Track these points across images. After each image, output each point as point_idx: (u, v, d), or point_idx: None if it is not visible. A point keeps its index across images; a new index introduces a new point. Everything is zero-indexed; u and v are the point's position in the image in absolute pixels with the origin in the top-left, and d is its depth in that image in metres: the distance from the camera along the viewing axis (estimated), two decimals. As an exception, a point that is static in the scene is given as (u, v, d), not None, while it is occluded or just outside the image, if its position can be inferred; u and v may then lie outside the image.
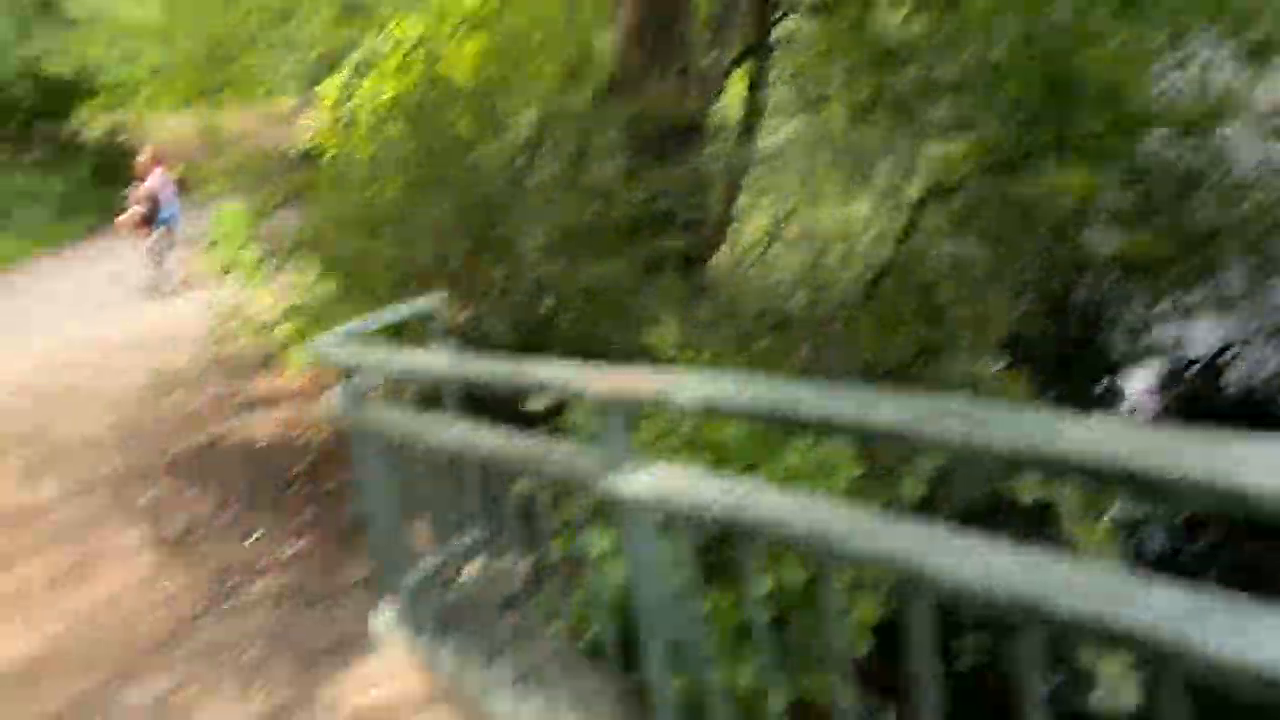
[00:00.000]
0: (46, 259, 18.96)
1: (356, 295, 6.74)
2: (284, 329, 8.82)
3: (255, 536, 5.22)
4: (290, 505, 5.64)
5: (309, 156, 11.51)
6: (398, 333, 4.38)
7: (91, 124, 26.49)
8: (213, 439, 7.01)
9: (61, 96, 21.87)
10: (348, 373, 3.80)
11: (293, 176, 9.31)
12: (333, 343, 3.62)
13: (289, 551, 5.03)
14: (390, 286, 5.97)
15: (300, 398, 7.85)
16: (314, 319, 8.54)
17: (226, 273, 14.80)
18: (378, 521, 3.65)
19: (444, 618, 3.59)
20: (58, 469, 6.80)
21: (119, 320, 12.05)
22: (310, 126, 11.78)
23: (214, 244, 15.86)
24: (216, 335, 10.24)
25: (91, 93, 21.54)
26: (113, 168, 25.62)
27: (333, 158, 9.88)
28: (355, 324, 3.86)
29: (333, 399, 3.63)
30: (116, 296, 13.54)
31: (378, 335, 3.96)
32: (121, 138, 27.33)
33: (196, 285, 14.00)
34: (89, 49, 19.65)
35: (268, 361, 9.00)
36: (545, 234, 4.73)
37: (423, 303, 4.17)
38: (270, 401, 7.79)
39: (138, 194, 13.70)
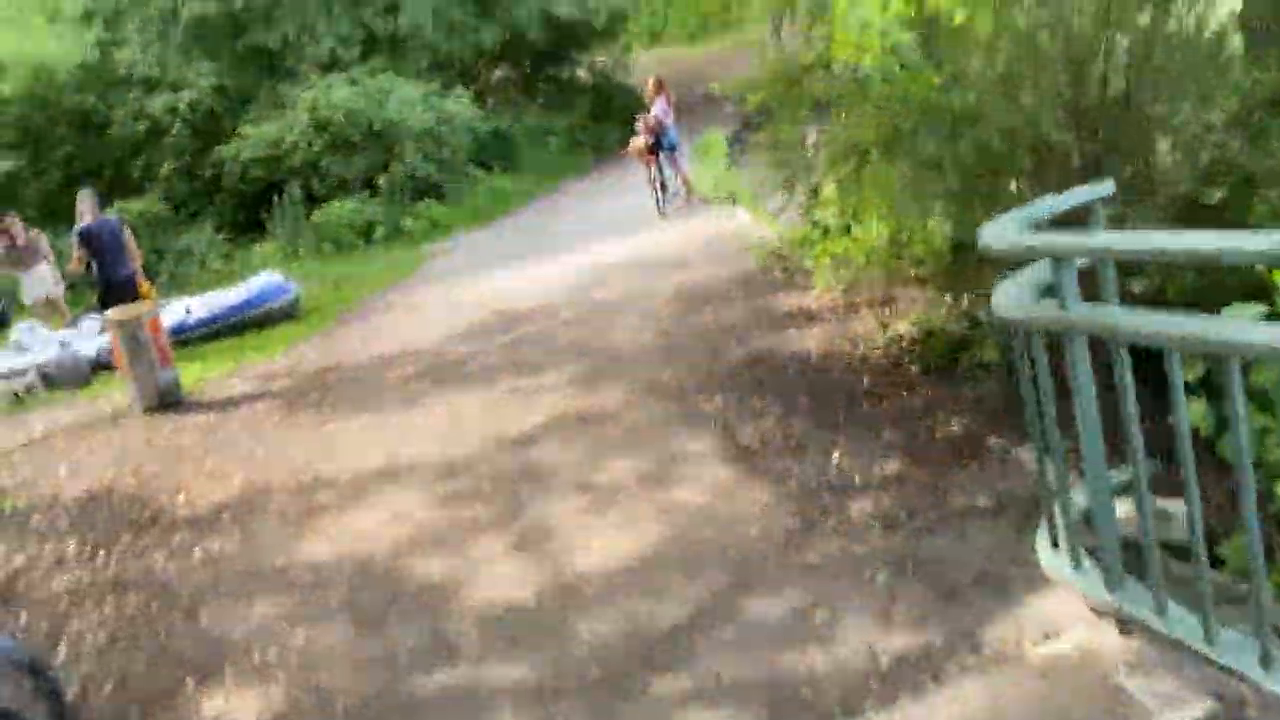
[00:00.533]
0: (560, 191, 20.85)
1: (910, 202, 6.18)
2: (811, 246, 8.61)
3: (837, 455, 4.91)
4: (865, 424, 5.28)
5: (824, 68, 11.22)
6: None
7: (591, 65, 28.79)
8: (760, 354, 6.91)
9: (566, 39, 23.82)
10: (1018, 264, 3.26)
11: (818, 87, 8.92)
12: (1009, 230, 3.07)
13: (879, 473, 4.66)
14: (965, 191, 5.30)
15: (834, 314, 7.54)
16: (842, 234, 8.22)
17: (722, 196, 15.23)
18: (1049, 440, 3.06)
19: (1126, 563, 2.96)
20: (617, 376, 7.11)
21: (635, 241, 12.71)
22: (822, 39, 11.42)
23: (702, 168, 16.41)
24: (739, 252, 10.39)
25: (593, 34, 23.19)
26: (606, 104, 27.70)
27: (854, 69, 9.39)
28: (1019, 212, 3.28)
29: (1004, 295, 3.09)
30: (628, 220, 14.35)
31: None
32: (616, 77, 29.43)
33: (700, 207, 14.51)
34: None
35: (791, 279, 8.86)
36: (1222, 108, 3.80)
37: (1085, 191, 3.47)
38: (806, 318, 7.56)
39: (645, 122, 14.29)
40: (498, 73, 25.26)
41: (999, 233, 3.07)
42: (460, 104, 19.19)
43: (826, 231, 8.37)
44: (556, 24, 22.82)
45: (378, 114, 18.18)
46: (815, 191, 8.52)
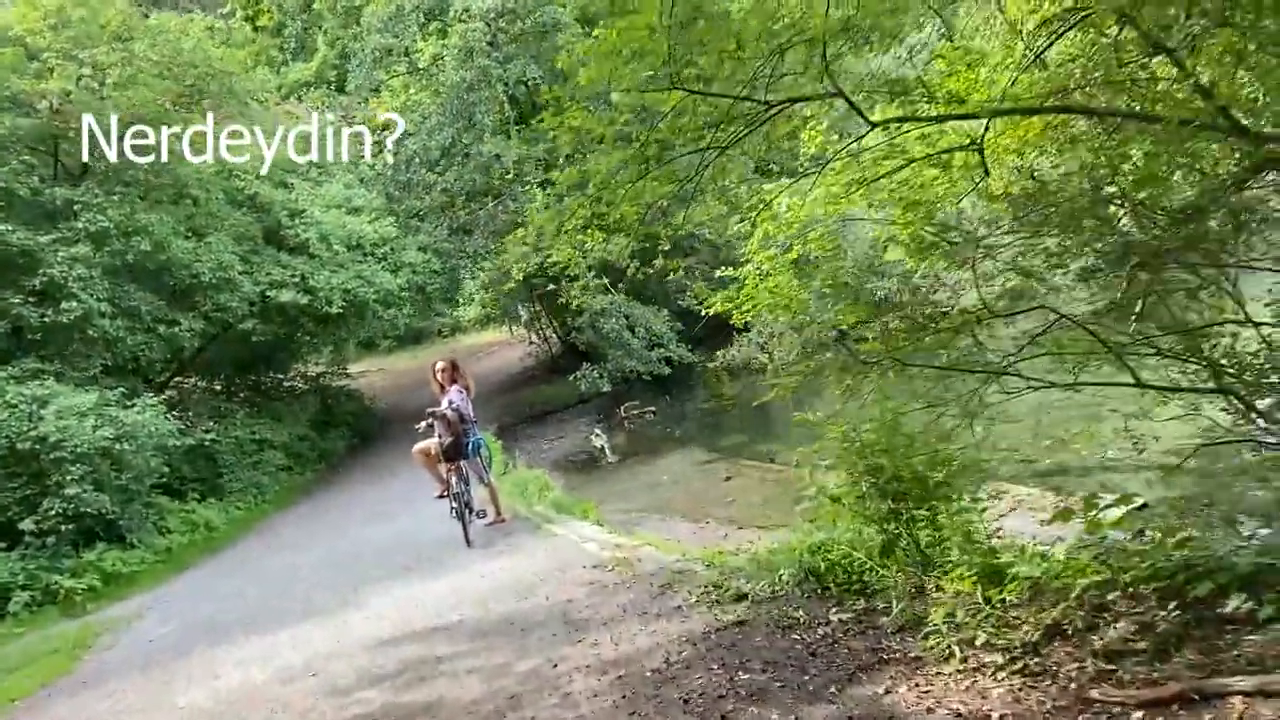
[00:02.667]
0: (290, 517, 15.93)
1: None
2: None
3: None
4: None
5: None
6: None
7: (307, 368, 24.56)
8: None
9: (286, 333, 19.76)
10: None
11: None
12: None
13: None
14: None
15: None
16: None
17: (546, 512, 11.27)
18: None
19: None
20: None
21: (449, 588, 8.44)
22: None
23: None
24: (660, 591, 6.42)
25: (326, 323, 19.31)
26: (328, 410, 23.37)
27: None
28: None
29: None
30: (418, 553, 10.04)
31: None
32: (334, 380, 25.28)
33: (518, 527, 10.48)
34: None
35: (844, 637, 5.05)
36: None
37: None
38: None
39: (445, 419, 10.39)
40: (195, 378, 20.38)
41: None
42: (147, 414, 14.27)
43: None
44: (278, 313, 18.73)
45: (23, 430, 12.84)
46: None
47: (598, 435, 17.74)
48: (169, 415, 14.96)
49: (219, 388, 20.66)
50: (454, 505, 10.60)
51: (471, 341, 43.60)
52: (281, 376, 23.14)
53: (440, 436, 10.45)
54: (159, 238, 15.69)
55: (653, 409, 20.37)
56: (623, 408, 20.62)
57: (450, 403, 10.58)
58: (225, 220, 17.64)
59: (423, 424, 11.32)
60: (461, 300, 23.10)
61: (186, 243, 16.32)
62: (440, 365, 10.98)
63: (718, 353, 23.11)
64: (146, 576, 13.06)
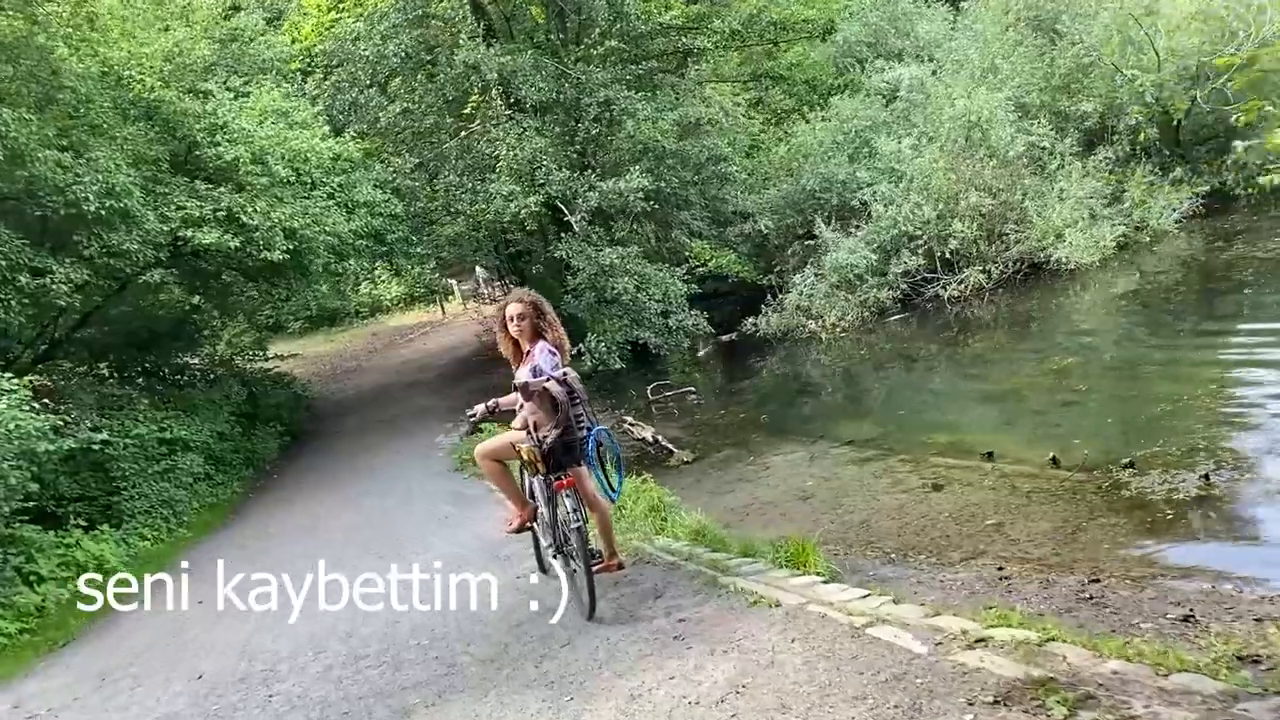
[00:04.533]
0: (221, 548, 10.99)
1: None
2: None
3: None
4: None
5: None
6: None
7: (225, 347, 19.31)
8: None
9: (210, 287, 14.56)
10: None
11: None
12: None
13: None
14: None
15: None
16: None
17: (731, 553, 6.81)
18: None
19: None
20: None
21: None
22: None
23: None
24: None
25: (265, 268, 14.19)
26: (255, 401, 18.22)
27: None
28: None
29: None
30: (485, 657, 5.49)
31: None
32: (256, 363, 20.01)
33: (669, 589, 6.02)
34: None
35: None
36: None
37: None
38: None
39: (539, 394, 5.92)
40: (75, 360, 15.10)
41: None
42: (5, 407, 9.23)
43: None
44: (196, 262, 13.67)
45: None
46: None
47: (636, 424, 13.26)
48: (37, 408, 9.91)
49: (108, 371, 15.36)
50: (558, 546, 6.13)
51: (397, 323, 38.50)
52: (195, 361, 17.93)
53: (536, 429, 5.92)
54: (15, 144, 10.58)
55: (693, 390, 15.90)
56: (649, 389, 16.10)
57: (552, 370, 6.05)
58: (116, 136, 12.52)
59: (479, 409, 6.75)
60: (415, 258, 18.27)
61: (58, 154, 11.18)
62: (515, 309, 6.35)
63: (747, 320, 18.82)
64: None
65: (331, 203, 14.30)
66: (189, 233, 12.25)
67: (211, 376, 17.78)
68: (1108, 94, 19.25)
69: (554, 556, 6.25)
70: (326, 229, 13.70)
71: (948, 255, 17.36)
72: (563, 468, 5.95)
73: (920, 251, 17.58)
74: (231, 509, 13.72)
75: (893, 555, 6.70)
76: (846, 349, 16.47)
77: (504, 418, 6.69)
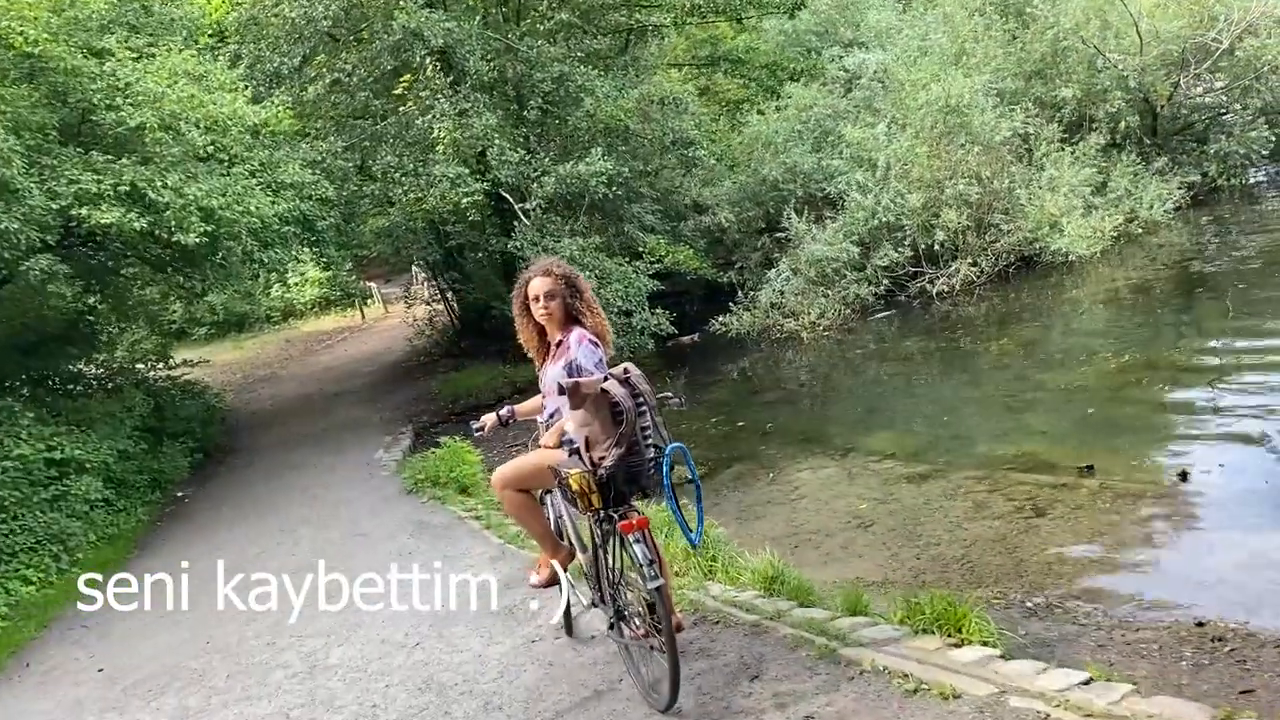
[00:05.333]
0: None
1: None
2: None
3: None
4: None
5: None
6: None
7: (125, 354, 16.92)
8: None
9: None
10: None
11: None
12: None
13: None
14: None
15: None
16: None
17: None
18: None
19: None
20: None
21: None
22: None
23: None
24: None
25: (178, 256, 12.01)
26: (160, 414, 15.92)
27: None
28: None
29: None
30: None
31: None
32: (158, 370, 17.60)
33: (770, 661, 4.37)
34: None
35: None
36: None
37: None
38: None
39: (587, 391, 4.23)
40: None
41: None
42: None
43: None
44: (93, 246, 11.52)
45: None
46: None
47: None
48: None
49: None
50: (616, 611, 4.52)
51: (312, 328, 36.01)
52: (90, 369, 15.56)
53: (589, 447, 4.26)
54: None
55: (673, 394, 14.23)
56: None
57: (596, 367, 4.44)
58: (-9, 99, 10.36)
59: (489, 419, 5.08)
60: (347, 250, 16.29)
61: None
62: (541, 285, 4.66)
63: (716, 320, 17.25)
64: None
65: (254, 182, 12.24)
66: (83, 211, 10.14)
67: (110, 385, 15.46)
68: (1087, 79, 18.28)
69: (610, 625, 4.57)
70: (250, 210, 11.66)
71: (935, 248, 16.09)
72: (626, 500, 4.31)
73: (903, 244, 16.30)
74: (135, 541, 11.58)
75: (1033, 605, 5.16)
76: (832, 349, 15.03)
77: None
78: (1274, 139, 17.81)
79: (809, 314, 16.02)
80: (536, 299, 4.67)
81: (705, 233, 19.82)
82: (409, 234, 17.33)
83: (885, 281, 16.37)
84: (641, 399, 4.30)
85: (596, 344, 4.66)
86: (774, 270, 17.21)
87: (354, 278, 22.75)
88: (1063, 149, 16.81)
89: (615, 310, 15.86)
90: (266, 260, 12.86)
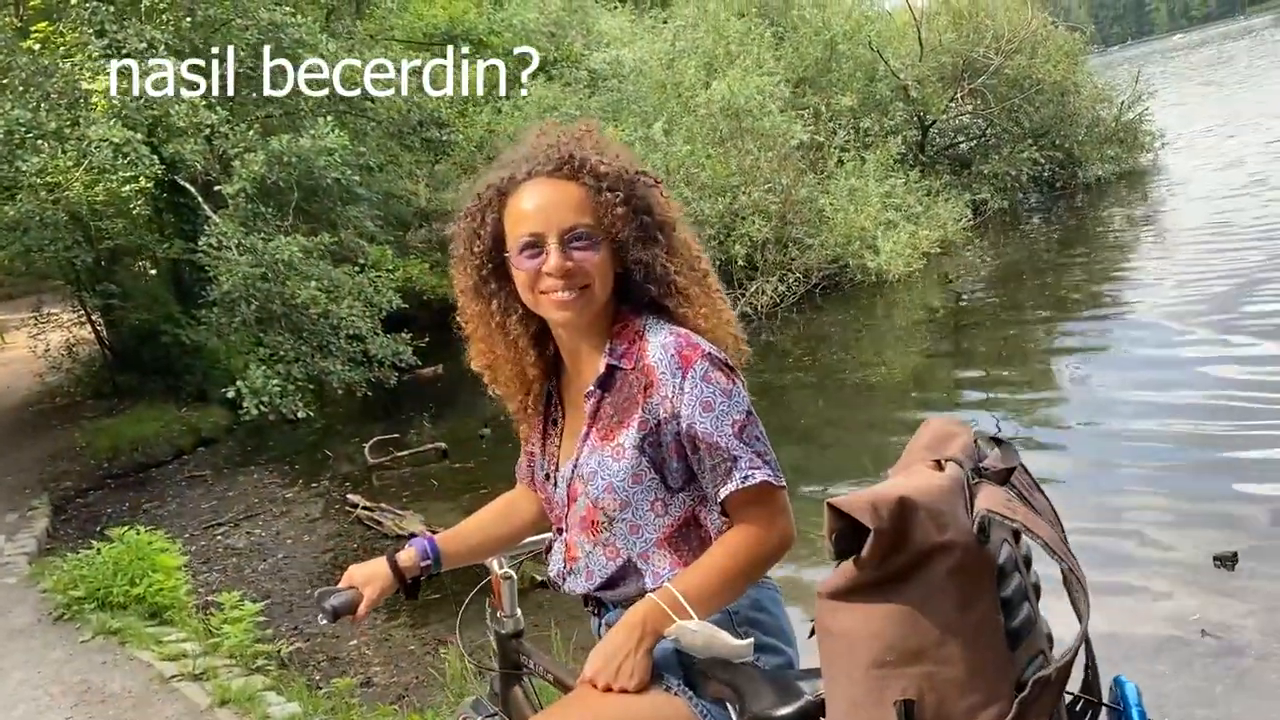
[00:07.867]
0: None
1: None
2: None
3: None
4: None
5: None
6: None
7: None
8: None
9: None
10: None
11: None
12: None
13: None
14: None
15: None
16: None
17: None
18: None
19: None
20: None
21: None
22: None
23: None
24: None
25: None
26: None
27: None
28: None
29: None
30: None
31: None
32: None
33: None
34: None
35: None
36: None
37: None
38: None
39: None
40: None
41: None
42: None
43: None
44: None
45: None
46: None
47: (379, 510, 7.92)
48: None
49: None
50: None
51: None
52: None
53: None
54: None
55: (439, 444, 10.60)
56: (367, 447, 10.62)
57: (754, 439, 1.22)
58: None
59: (365, 593, 1.69)
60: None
61: None
62: (558, 210, 1.43)
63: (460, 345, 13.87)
64: None
65: None
66: None
67: None
68: (864, 89, 17.03)
69: None
70: None
71: (734, 264, 13.82)
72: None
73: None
74: None
75: None
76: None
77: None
78: (1042, 160, 17.51)
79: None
80: (539, 250, 1.50)
81: (439, 245, 16.68)
82: (50, 230, 12.48)
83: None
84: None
85: (733, 374, 1.50)
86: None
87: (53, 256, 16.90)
88: (861, 158, 15.29)
89: (345, 335, 12.15)
90: None
